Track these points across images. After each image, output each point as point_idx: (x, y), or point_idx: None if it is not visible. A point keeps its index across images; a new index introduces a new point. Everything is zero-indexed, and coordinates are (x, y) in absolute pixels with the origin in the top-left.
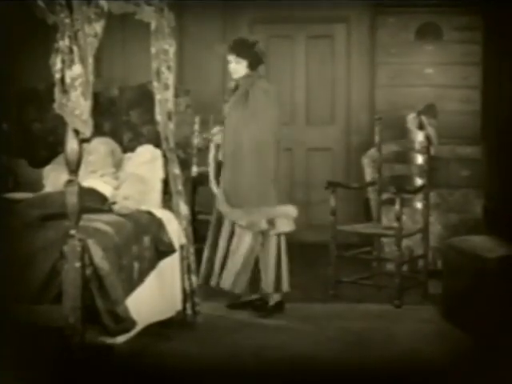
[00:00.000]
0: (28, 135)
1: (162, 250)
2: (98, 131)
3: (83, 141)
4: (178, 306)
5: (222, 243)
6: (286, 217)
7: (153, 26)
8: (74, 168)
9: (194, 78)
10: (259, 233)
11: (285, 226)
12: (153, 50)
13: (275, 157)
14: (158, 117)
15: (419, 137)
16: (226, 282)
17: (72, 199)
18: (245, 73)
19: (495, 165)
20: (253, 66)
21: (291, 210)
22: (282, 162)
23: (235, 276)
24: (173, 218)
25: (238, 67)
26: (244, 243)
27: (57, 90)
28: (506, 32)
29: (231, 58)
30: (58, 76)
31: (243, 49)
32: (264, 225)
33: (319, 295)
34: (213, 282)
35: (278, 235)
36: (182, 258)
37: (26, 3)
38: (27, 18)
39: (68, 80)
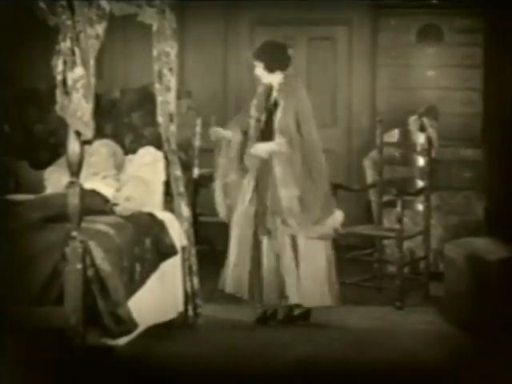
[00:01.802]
0: (29, 137)
1: (164, 251)
2: (99, 133)
3: (85, 143)
4: (180, 308)
5: (270, 258)
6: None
7: (154, 27)
8: (75, 170)
9: (196, 79)
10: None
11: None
12: (154, 51)
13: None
14: (160, 119)
15: (420, 139)
16: (311, 299)
17: (73, 201)
18: (279, 78)
19: (496, 167)
20: (276, 68)
21: (340, 215)
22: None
23: (321, 290)
24: (174, 220)
25: (258, 71)
26: (319, 254)
27: (58, 92)
28: (507, 34)
29: (256, 63)
30: (59, 78)
31: (271, 53)
32: (332, 233)
33: None
34: (279, 301)
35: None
36: (184, 260)
37: (27, 4)
38: (28, 18)
39: (70, 82)
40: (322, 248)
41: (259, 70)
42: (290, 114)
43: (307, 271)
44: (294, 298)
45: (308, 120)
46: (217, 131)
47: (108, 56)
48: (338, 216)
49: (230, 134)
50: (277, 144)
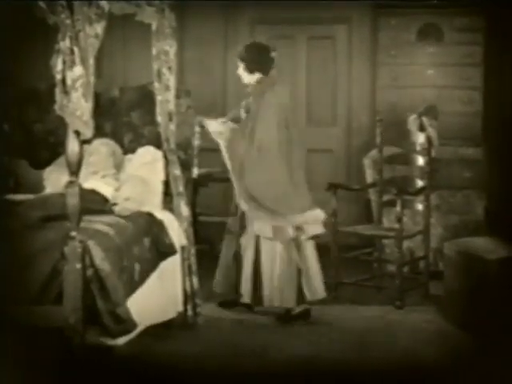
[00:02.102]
0: (29, 136)
1: (163, 251)
2: (98, 132)
3: (84, 142)
4: (179, 307)
5: (248, 255)
6: (314, 221)
7: (154, 26)
8: (74, 169)
9: (195, 79)
10: (290, 241)
11: (315, 229)
12: (154, 50)
13: (296, 158)
14: (159, 118)
15: (420, 138)
16: (272, 299)
17: (73, 200)
18: (255, 79)
19: (496, 166)
20: (256, 70)
21: (319, 214)
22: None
23: (279, 291)
24: (174, 220)
25: (240, 71)
26: (276, 255)
27: (58, 91)
28: (508, 33)
29: (239, 63)
30: (58, 77)
31: (252, 55)
32: (291, 232)
33: None
34: (247, 299)
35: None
36: (183, 260)
37: (27, 3)
38: (27, 18)
39: (69, 81)
40: (279, 248)
41: (240, 70)
42: (253, 115)
43: (269, 273)
44: (268, 300)
45: (263, 120)
46: (202, 121)
47: (107, 55)
48: (318, 213)
49: (215, 126)
50: (222, 126)
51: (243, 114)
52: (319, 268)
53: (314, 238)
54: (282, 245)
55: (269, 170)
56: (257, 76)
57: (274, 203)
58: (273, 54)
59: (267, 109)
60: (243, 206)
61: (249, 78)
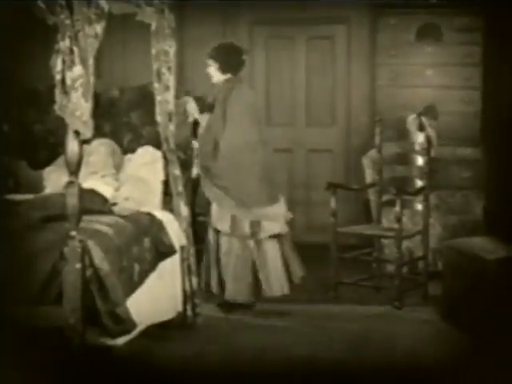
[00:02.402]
0: (29, 136)
1: (163, 251)
2: (98, 132)
3: (84, 142)
4: (179, 308)
5: (212, 249)
6: (274, 218)
7: (153, 26)
8: (74, 169)
9: (195, 79)
10: (248, 237)
11: (274, 227)
12: (153, 51)
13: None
14: (159, 118)
15: (419, 138)
16: (229, 292)
17: (72, 201)
18: (223, 78)
19: (495, 166)
20: (228, 71)
21: (279, 210)
22: (283, 163)
23: (233, 284)
24: (173, 220)
25: (211, 70)
26: (231, 250)
27: (57, 92)
28: (507, 33)
29: (210, 62)
30: (58, 77)
31: (227, 56)
32: (247, 229)
33: (320, 296)
34: (215, 290)
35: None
36: (183, 260)
37: (27, 4)
38: (27, 18)
39: (68, 81)
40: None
41: (212, 69)
42: (218, 111)
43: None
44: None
45: (233, 116)
46: (187, 101)
47: (107, 55)
48: (279, 209)
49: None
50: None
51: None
52: (282, 266)
53: (279, 237)
54: (238, 242)
55: (237, 161)
56: (228, 76)
57: (240, 192)
58: (244, 57)
59: (237, 106)
60: (208, 192)
61: (219, 78)
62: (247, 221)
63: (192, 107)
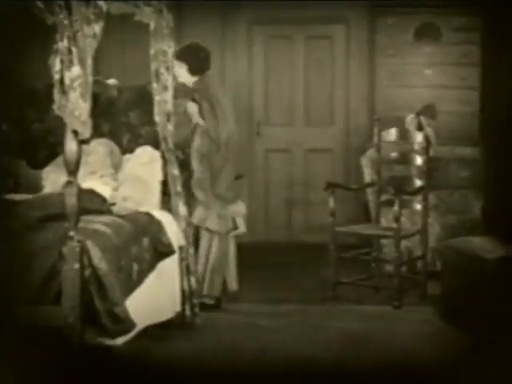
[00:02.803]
0: (28, 136)
1: (161, 251)
2: (96, 132)
3: (82, 142)
4: (177, 307)
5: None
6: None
7: (152, 26)
8: (72, 169)
9: None
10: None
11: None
12: (152, 50)
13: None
14: (157, 118)
15: (418, 138)
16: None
17: (71, 200)
18: (193, 78)
19: (494, 165)
20: (195, 71)
21: (241, 208)
22: (281, 163)
23: (209, 280)
24: (172, 220)
25: (181, 71)
26: (211, 244)
27: (56, 91)
28: (505, 32)
29: (178, 63)
30: (57, 77)
31: (188, 55)
32: (230, 225)
33: (318, 296)
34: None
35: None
36: (181, 259)
37: (26, 4)
38: (26, 18)
39: (67, 81)
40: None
41: (183, 71)
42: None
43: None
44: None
45: (226, 115)
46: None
47: (105, 55)
48: (240, 206)
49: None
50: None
51: (193, 108)
52: (235, 261)
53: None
54: (218, 237)
55: (228, 161)
56: (197, 77)
57: (227, 192)
58: (210, 58)
59: (226, 105)
60: (200, 195)
61: (189, 79)
62: (229, 217)
63: (193, 109)
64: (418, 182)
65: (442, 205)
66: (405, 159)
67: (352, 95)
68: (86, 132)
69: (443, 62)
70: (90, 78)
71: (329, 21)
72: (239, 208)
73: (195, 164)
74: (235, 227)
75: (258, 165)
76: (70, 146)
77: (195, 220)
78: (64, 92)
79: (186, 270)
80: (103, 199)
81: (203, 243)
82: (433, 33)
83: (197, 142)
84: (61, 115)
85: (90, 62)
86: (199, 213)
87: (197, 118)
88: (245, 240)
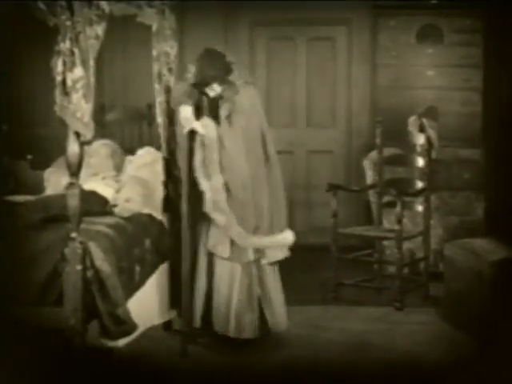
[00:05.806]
0: (29, 137)
1: (164, 252)
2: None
3: (84, 143)
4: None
5: (203, 279)
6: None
7: (154, 28)
8: (74, 170)
9: None
10: (250, 263)
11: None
12: (154, 52)
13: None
14: (159, 119)
15: (420, 139)
16: (227, 325)
17: (73, 202)
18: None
19: (496, 167)
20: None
21: (287, 238)
22: (283, 164)
23: (236, 318)
24: None
25: None
26: (234, 279)
27: (58, 93)
28: (507, 34)
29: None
30: (59, 78)
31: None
32: (251, 255)
33: (320, 297)
34: (198, 324)
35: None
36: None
37: (28, 5)
38: (28, 19)
39: (69, 82)
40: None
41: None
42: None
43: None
44: (221, 328)
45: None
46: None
47: (107, 56)
48: (288, 237)
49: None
50: (205, 126)
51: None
52: (282, 295)
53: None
54: (240, 267)
55: (264, 181)
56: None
57: (256, 218)
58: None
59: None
60: (218, 217)
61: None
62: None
63: (187, 115)
64: (420, 184)
65: (444, 206)
66: (407, 161)
67: (354, 97)
68: (88, 133)
69: (445, 63)
70: (92, 80)
71: (331, 22)
72: (276, 240)
73: (204, 184)
74: (261, 255)
75: None
76: (72, 147)
77: (209, 246)
78: (66, 93)
79: None
80: (105, 201)
81: (220, 274)
82: (435, 34)
83: (199, 155)
84: (63, 117)
85: (92, 63)
86: (213, 237)
87: (192, 123)
88: None
